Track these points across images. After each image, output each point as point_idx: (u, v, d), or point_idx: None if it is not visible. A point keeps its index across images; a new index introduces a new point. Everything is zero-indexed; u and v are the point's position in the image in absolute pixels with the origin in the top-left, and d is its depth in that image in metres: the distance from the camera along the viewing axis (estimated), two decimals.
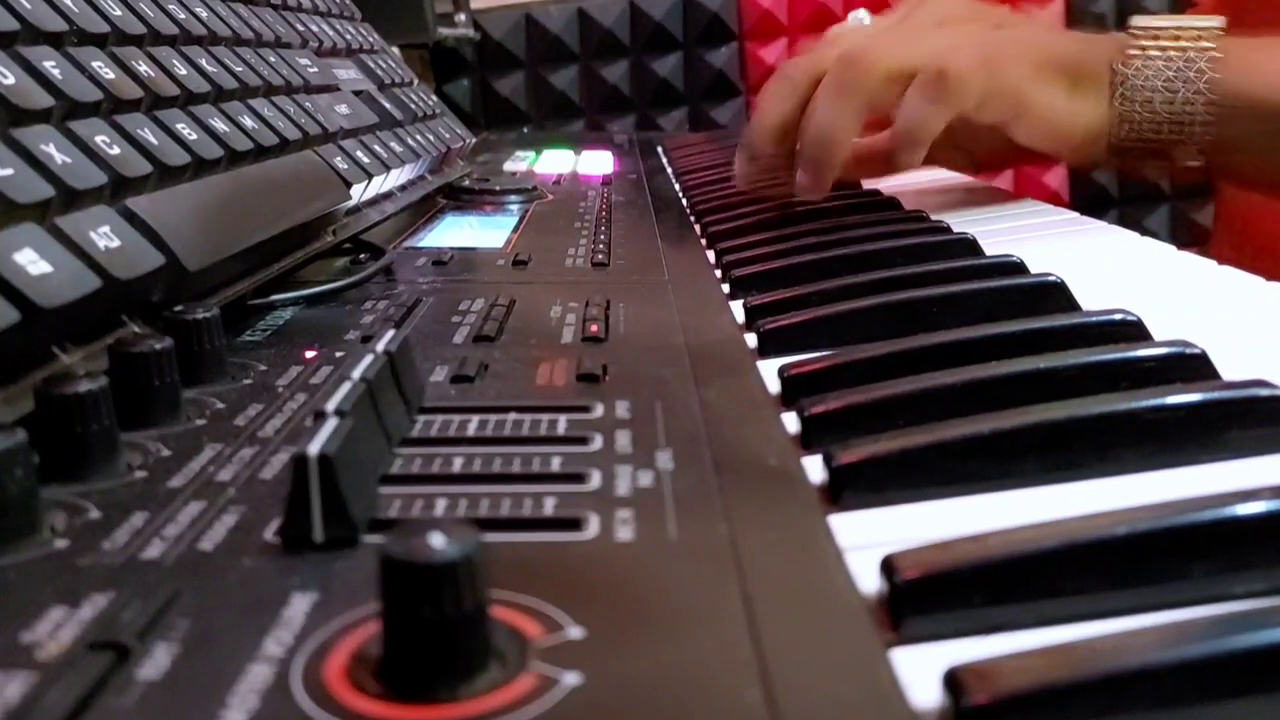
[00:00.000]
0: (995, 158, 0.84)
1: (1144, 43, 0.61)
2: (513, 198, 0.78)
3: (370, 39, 0.83)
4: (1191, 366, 0.33)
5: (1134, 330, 0.37)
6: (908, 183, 0.83)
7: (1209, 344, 0.34)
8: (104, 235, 0.34)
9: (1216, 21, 0.62)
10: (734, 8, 1.48)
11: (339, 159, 0.56)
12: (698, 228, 0.69)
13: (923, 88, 0.62)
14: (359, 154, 0.59)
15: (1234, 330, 0.40)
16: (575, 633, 0.21)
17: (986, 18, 0.69)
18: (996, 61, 0.62)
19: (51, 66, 0.37)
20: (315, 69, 0.64)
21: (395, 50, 0.92)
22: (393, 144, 0.66)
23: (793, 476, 0.29)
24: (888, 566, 0.23)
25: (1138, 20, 0.63)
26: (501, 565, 0.22)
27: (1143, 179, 0.87)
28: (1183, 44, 0.61)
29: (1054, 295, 0.43)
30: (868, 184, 0.79)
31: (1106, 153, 0.63)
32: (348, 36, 0.77)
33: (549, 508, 0.27)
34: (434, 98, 0.87)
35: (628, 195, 0.83)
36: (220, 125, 0.46)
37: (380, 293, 0.50)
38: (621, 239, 0.63)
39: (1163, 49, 0.61)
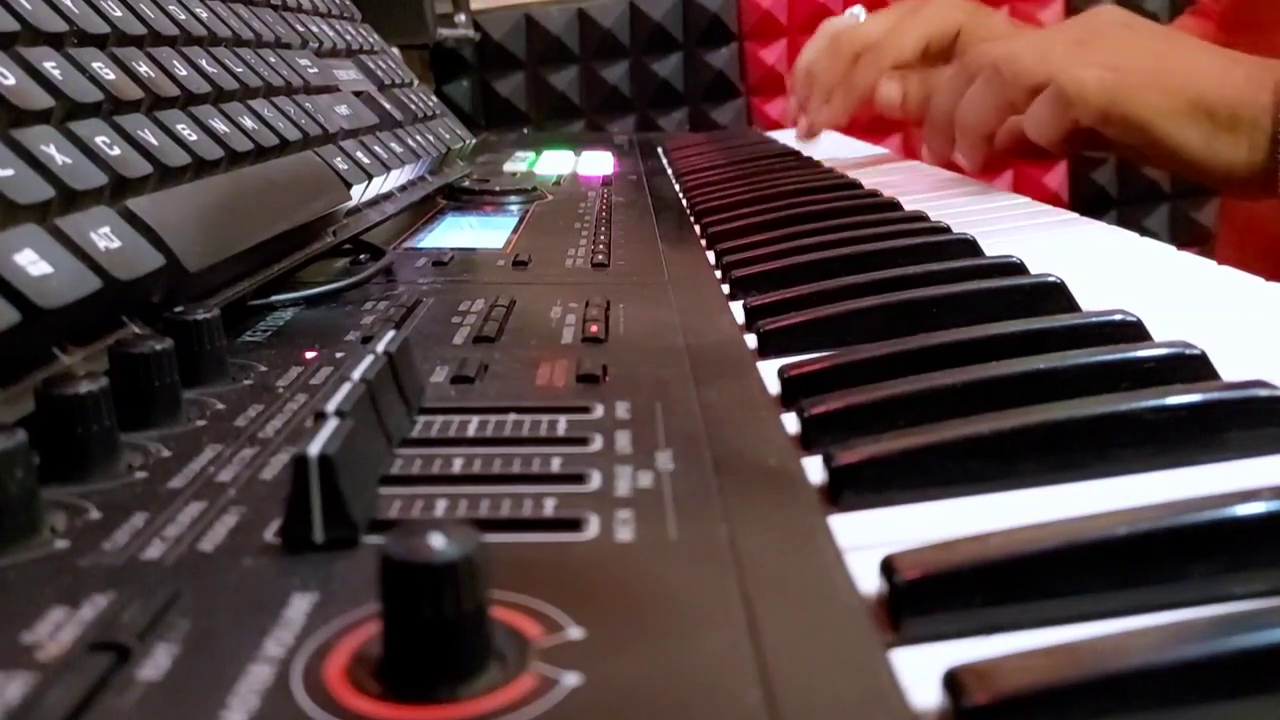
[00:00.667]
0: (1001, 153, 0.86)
1: None
2: (513, 198, 0.78)
3: (370, 40, 0.83)
4: (1191, 367, 0.33)
5: (1134, 330, 0.37)
6: (907, 184, 0.83)
7: (1209, 344, 0.34)
8: (104, 236, 0.34)
9: None
10: (734, 8, 1.48)
11: (339, 160, 0.56)
12: (697, 228, 0.69)
13: (1046, 100, 0.66)
14: (359, 155, 0.59)
15: (1234, 330, 0.40)
16: (575, 633, 0.21)
17: (1135, 26, 0.69)
18: (1126, 89, 0.63)
19: (52, 67, 0.37)
20: (315, 70, 0.64)
21: (395, 51, 0.92)
22: (393, 145, 0.66)
23: (793, 477, 0.29)
24: (888, 567, 0.23)
25: None
26: (501, 566, 0.22)
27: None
28: None
29: (1054, 295, 0.43)
30: (868, 184, 0.79)
31: (1257, 189, 0.63)
32: (348, 37, 0.77)
33: (549, 508, 0.27)
34: (434, 98, 0.87)
35: (628, 196, 0.83)
36: (220, 126, 0.46)
37: (380, 293, 0.50)
38: (621, 240, 0.63)
39: None
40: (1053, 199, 1.40)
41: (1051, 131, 0.66)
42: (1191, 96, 0.63)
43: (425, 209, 0.74)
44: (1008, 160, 0.82)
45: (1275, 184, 0.61)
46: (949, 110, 0.77)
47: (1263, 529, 0.23)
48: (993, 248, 0.53)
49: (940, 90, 0.80)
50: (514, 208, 0.76)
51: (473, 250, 0.61)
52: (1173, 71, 0.65)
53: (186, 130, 0.43)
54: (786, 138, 1.14)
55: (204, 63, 0.49)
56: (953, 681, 0.20)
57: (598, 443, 0.31)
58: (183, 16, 0.50)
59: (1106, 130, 0.65)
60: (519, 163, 1.02)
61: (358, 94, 0.70)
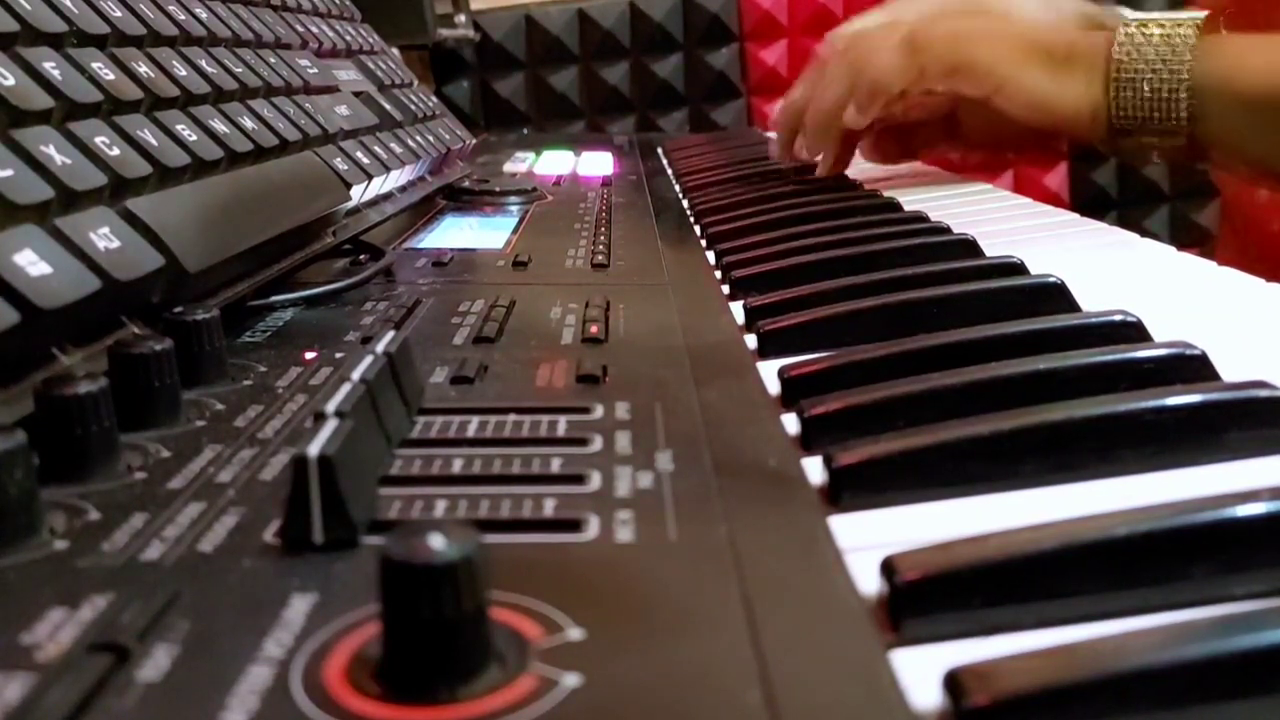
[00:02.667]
0: (991, 143, 0.89)
1: (1133, 30, 0.66)
2: (513, 199, 0.78)
3: (370, 40, 0.83)
4: (1192, 367, 0.33)
5: (1134, 331, 0.37)
6: (908, 185, 0.83)
7: (1209, 345, 0.34)
8: (104, 236, 0.34)
9: (1202, 15, 0.65)
10: (734, 9, 1.48)
11: (339, 160, 0.56)
12: (697, 229, 0.69)
13: (894, 49, 0.70)
14: (359, 155, 0.59)
15: (1234, 331, 0.40)
16: (575, 634, 0.21)
17: (974, 7, 0.77)
18: (969, 41, 0.70)
19: (51, 68, 0.37)
20: (315, 70, 0.64)
21: (395, 51, 0.92)
22: (393, 145, 0.66)
23: (792, 478, 0.29)
24: (888, 568, 0.23)
25: (1131, 14, 0.67)
26: (501, 566, 0.22)
27: (1137, 164, 0.93)
28: (1169, 32, 0.65)
29: (1054, 296, 0.43)
30: (868, 185, 0.79)
31: (1101, 131, 0.67)
32: (347, 37, 0.77)
33: (549, 509, 0.27)
34: (434, 99, 0.87)
35: (628, 196, 0.83)
36: (220, 126, 0.46)
37: (380, 294, 0.50)
38: (621, 240, 0.63)
39: (1148, 36, 0.65)
40: (1053, 199, 1.40)
41: (893, 79, 0.71)
42: (1029, 39, 0.69)
43: (425, 209, 0.74)
44: (848, 155, 0.83)
45: (1114, 126, 0.67)
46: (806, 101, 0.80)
47: (1263, 530, 0.23)
48: (993, 248, 0.53)
49: (798, 86, 0.83)
50: (514, 208, 0.76)
51: (472, 251, 0.61)
52: (1010, 22, 0.72)
53: (186, 131, 0.43)
54: None
55: (204, 63, 0.49)
56: (953, 682, 0.20)
57: (597, 443, 0.31)
58: (182, 17, 0.50)
59: (957, 83, 0.71)
60: (519, 163, 1.02)
61: (357, 94, 0.70)
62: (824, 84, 0.77)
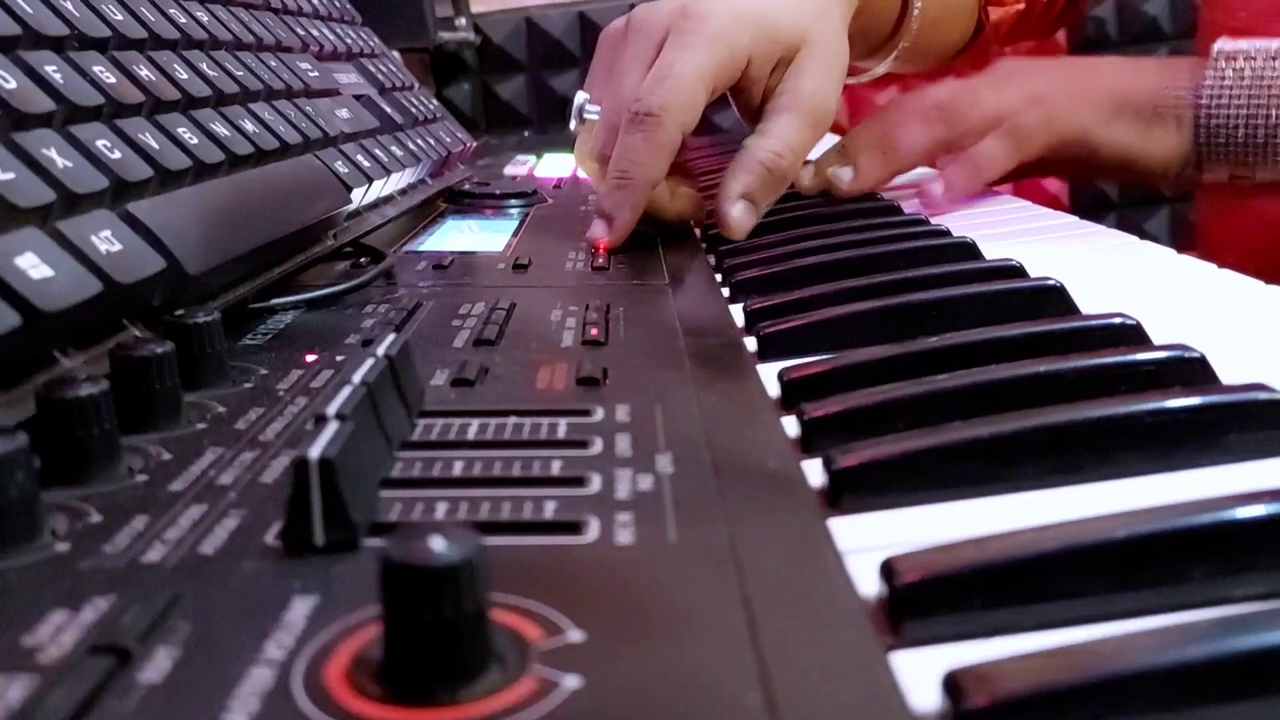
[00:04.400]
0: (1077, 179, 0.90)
1: (1222, 65, 0.64)
2: (513, 202, 0.78)
3: (371, 43, 0.83)
4: (1191, 370, 0.33)
5: (1133, 334, 0.37)
6: (907, 189, 0.83)
7: (1208, 348, 0.34)
8: (105, 239, 0.34)
9: None
10: None
11: (339, 163, 0.56)
12: (697, 231, 0.69)
13: (998, 138, 0.69)
14: (359, 158, 0.59)
15: (1233, 334, 0.40)
16: (575, 636, 0.21)
17: (1040, 62, 0.75)
18: (1060, 112, 0.69)
19: (53, 71, 0.37)
20: (316, 73, 0.64)
21: (396, 54, 0.92)
22: (393, 148, 0.67)
23: (792, 480, 0.29)
24: (887, 570, 0.23)
25: (1221, 44, 0.66)
26: (502, 568, 0.22)
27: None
28: (1260, 67, 0.64)
29: (1053, 299, 0.43)
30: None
31: (1192, 174, 0.68)
32: (348, 40, 0.77)
33: (549, 511, 0.27)
34: (434, 102, 0.87)
35: None
36: (221, 129, 0.46)
37: (381, 296, 0.50)
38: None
39: (1239, 72, 0.64)
40: (1052, 202, 1.40)
41: (1004, 166, 0.71)
42: (1115, 99, 0.69)
43: (426, 212, 0.74)
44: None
45: (1202, 161, 0.66)
46: (887, 133, 0.75)
47: (1262, 532, 0.23)
48: (992, 251, 0.53)
49: (883, 120, 0.79)
50: (514, 211, 0.76)
51: (473, 253, 0.61)
52: (1090, 83, 0.71)
53: (187, 134, 0.43)
54: None
55: (205, 66, 0.49)
56: (953, 684, 0.20)
57: (598, 446, 0.31)
58: (183, 20, 0.50)
59: (1053, 156, 0.70)
60: (520, 166, 1.02)
61: (358, 97, 0.70)
62: (914, 134, 0.72)
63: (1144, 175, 0.70)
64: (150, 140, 0.40)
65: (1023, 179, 0.86)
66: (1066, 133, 0.69)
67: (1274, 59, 0.64)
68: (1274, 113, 0.63)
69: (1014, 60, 0.78)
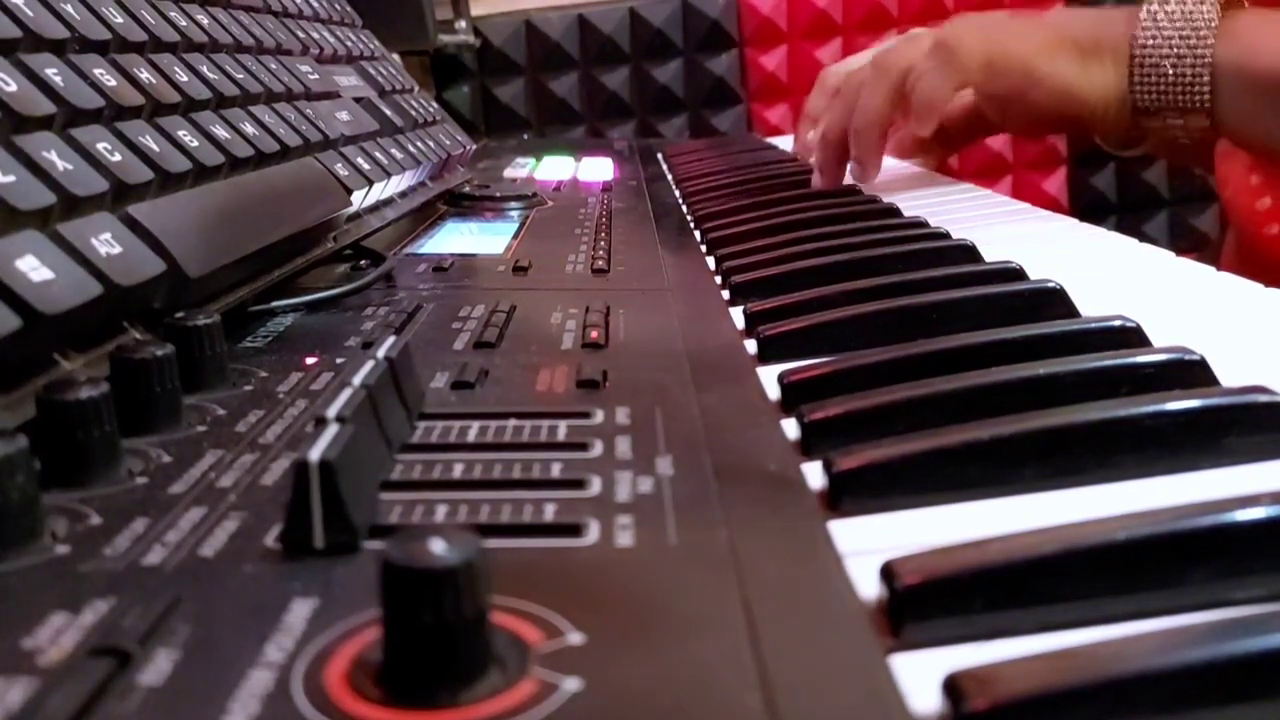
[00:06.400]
0: (1020, 133, 0.95)
1: (1155, 8, 0.67)
2: (513, 204, 0.78)
3: (371, 46, 0.83)
4: (1191, 372, 0.33)
5: (1133, 336, 0.37)
6: (907, 190, 0.83)
7: (1208, 350, 0.34)
8: (105, 242, 0.34)
9: None
10: (734, 14, 1.48)
11: (340, 165, 0.56)
12: (697, 234, 0.69)
13: (928, 57, 0.73)
14: (360, 160, 0.60)
15: (1233, 336, 0.40)
16: (575, 638, 0.21)
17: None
18: (1000, 38, 0.72)
19: (53, 74, 0.37)
20: (316, 76, 0.64)
21: (396, 57, 0.92)
22: (393, 150, 0.67)
23: (792, 482, 0.29)
24: (887, 572, 0.23)
25: None
26: (502, 571, 0.22)
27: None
28: (1190, 9, 0.67)
29: (1053, 301, 0.43)
30: (868, 190, 0.79)
31: (1126, 116, 0.70)
32: (348, 43, 0.77)
33: (549, 513, 0.27)
34: (434, 104, 0.87)
35: (628, 202, 0.83)
36: (221, 132, 0.46)
37: (381, 299, 0.50)
38: (621, 245, 0.63)
39: (1170, 14, 0.67)
40: (1052, 204, 1.40)
41: (942, 86, 0.74)
42: (1058, 33, 0.72)
43: (426, 215, 0.74)
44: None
45: (1137, 103, 0.69)
46: (841, 123, 0.81)
47: (1262, 534, 0.23)
48: (992, 253, 0.53)
49: (830, 110, 0.85)
50: (514, 213, 0.76)
51: (473, 256, 0.61)
52: (1035, 20, 0.75)
53: (187, 136, 0.43)
54: (787, 144, 1.14)
55: (205, 69, 0.49)
56: (953, 686, 0.20)
57: (598, 448, 0.31)
58: (184, 23, 0.50)
59: (991, 83, 0.74)
60: (519, 168, 1.02)
61: (358, 100, 0.70)
62: (863, 102, 0.78)
63: (1084, 114, 0.72)
64: (150, 143, 0.40)
65: (976, 137, 0.90)
66: (1004, 60, 0.72)
67: (1202, 2, 0.66)
68: (1202, 51, 0.66)
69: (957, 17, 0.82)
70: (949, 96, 0.75)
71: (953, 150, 0.91)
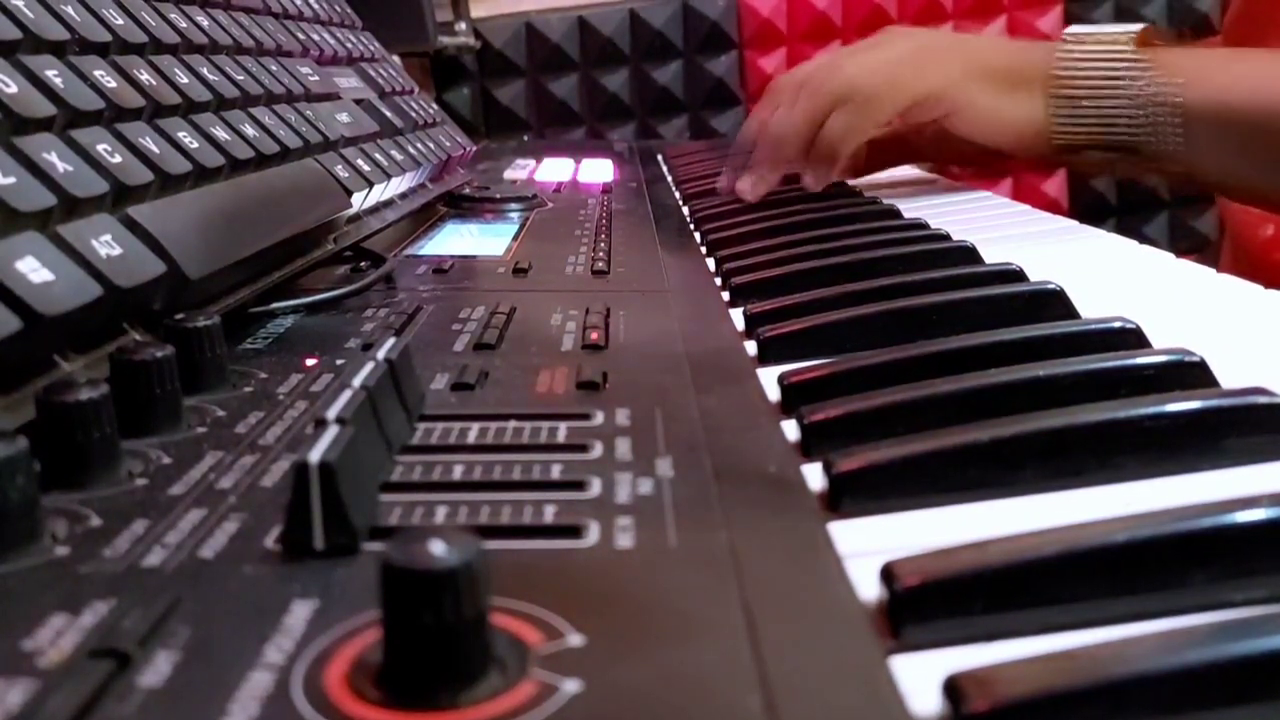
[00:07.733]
0: (943, 160, 0.91)
1: (1072, 48, 0.67)
2: (513, 206, 0.78)
3: (371, 47, 0.83)
4: (1190, 374, 0.33)
5: (1133, 338, 0.37)
6: (907, 192, 0.83)
7: (1208, 351, 0.34)
8: (105, 243, 0.34)
9: (1138, 28, 0.67)
10: (734, 16, 1.48)
11: (340, 167, 0.56)
12: (697, 235, 0.69)
13: (840, 108, 0.72)
14: (360, 162, 0.60)
15: (1233, 338, 0.40)
16: (575, 640, 0.21)
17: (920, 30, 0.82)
18: (919, 69, 0.72)
19: (53, 75, 0.37)
20: (316, 77, 0.64)
21: (396, 59, 0.92)
22: (393, 152, 0.67)
23: (792, 484, 0.29)
24: (887, 574, 0.23)
25: (1071, 29, 0.69)
26: (502, 572, 0.22)
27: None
28: (1106, 48, 0.67)
29: (1053, 303, 0.43)
30: (868, 192, 0.79)
31: (1045, 148, 0.70)
32: (349, 45, 0.77)
33: (549, 515, 0.27)
34: (434, 106, 0.87)
35: (628, 203, 0.83)
36: (221, 134, 0.46)
37: (381, 300, 0.50)
38: (621, 247, 0.63)
39: (1090, 54, 0.67)
40: (1052, 206, 1.40)
41: (853, 138, 0.73)
42: (979, 63, 0.71)
43: (426, 216, 0.74)
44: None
45: (1057, 135, 0.69)
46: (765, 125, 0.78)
47: (1262, 536, 0.23)
48: (992, 255, 0.53)
49: (751, 120, 0.82)
50: (514, 215, 0.76)
51: (473, 257, 0.61)
52: (958, 47, 0.74)
53: (188, 138, 0.43)
54: None
55: (205, 71, 0.49)
56: (953, 688, 0.20)
57: (598, 450, 0.31)
58: (184, 25, 0.50)
59: (914, 115, 0.72)
60: (519, 170, 1.02)
61: (358, 101, 0.70)
62: (780, 120, 0.75)
63: (1004, 145, 0.72)
64: (150, 144, 0.40)
65: (892, 163, 0.89)
66: (922, 91, 0.71)
67: (1117, 42, 0.66)
68: (1120, 94, 0.65)
69: (898, 27, 0.82)
70: (850, 151, 0.74)
71: (872, 172, 0.89)
